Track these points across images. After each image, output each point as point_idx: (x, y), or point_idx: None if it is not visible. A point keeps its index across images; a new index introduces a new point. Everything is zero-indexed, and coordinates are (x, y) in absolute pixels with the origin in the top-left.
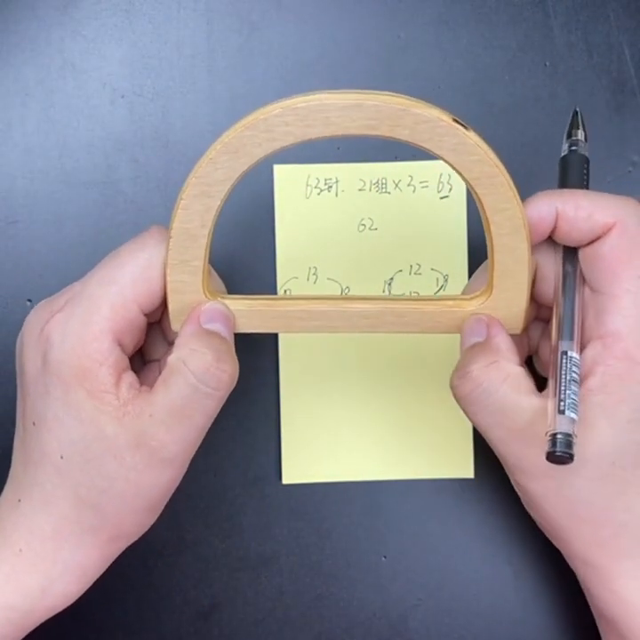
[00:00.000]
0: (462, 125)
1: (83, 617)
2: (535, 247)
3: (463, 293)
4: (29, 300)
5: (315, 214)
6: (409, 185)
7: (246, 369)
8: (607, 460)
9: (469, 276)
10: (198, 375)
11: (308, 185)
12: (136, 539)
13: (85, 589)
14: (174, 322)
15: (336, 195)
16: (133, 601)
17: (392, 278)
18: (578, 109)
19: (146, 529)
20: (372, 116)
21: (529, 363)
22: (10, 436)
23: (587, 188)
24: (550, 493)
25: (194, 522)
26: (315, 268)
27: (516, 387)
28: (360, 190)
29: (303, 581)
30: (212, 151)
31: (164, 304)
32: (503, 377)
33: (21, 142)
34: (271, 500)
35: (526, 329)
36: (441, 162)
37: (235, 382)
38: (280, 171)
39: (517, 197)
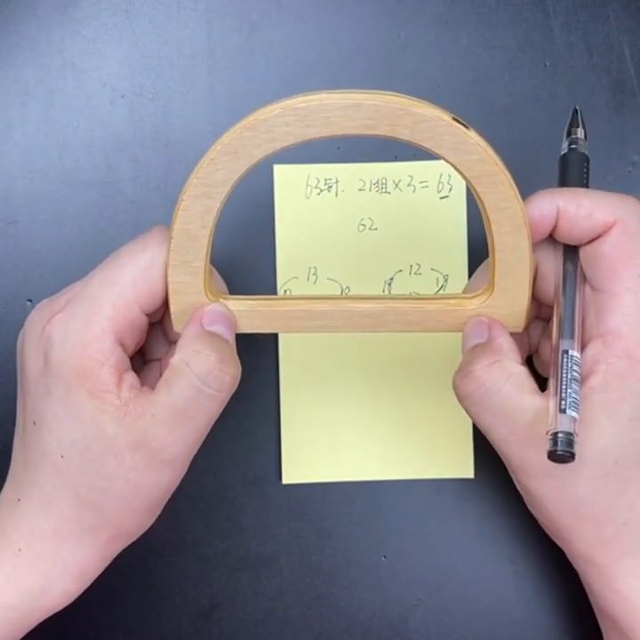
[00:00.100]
0: (462, 124)
1: (83, 617)
2: (535, 246)
3: (464, 292)
4: (29, 300)
5: (315, 214)
6: (409, 185)
7: (246, 369)
8: (609, 458)
9: (469, 275)
10: (201, 377)
11: (307, 185)
12: (135, 539)
13: (84, 589)
14: (176, 322)
15: (336, 195)
16: (133, 601)
17: (392, 278)
18: (578, 108)
19: (145, 529)
20: (371, 115)
21: (529, 362)
22: (10, 436)
23: (587, 186)
24: (552, 493)
25: (194, 522)
26: (315, 267)
27: (519, 386)
28: (360, 190)
29: (303, 581)
30: (212, 152)
31: (165, 304)
32: (506, 376)
33: (21, 142)
34: (271, 499)
35: (527, 328)
36: (441, 162)
37: (237, 384)
38: (280, 171)
39: (518, 196)
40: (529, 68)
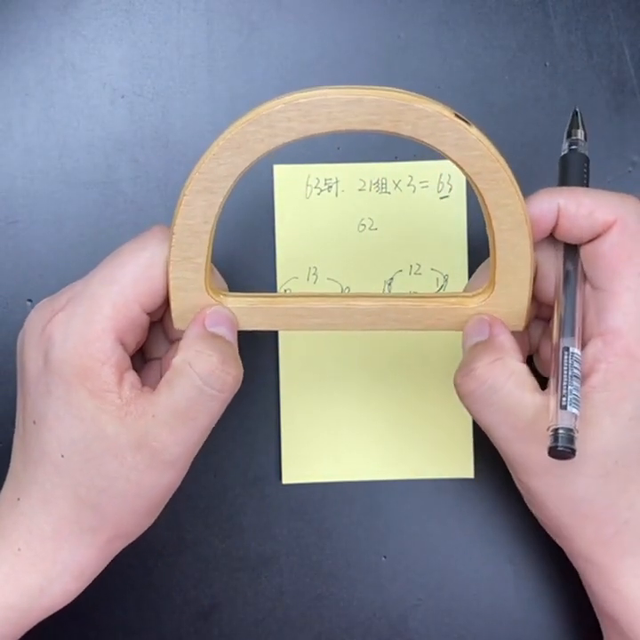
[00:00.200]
0: (464, 120)
1: (83, 617)
2: (536, 245)
3: (465, 291)
4: (29, 300)
5: (315, 214)
6: (409, 185)
7: (246, 368)
8: (610, 457)
9: (469, 275)
10: (203, 377)
11: (308, 185)
12: (135, 539)
13: (83, 589)
14: (177, 320)
15: (336, 195)
16: (133, 601)
17: (392, 278)
18: (577, 109)
19: (145, 529)
20: (373, 111)
21: (529, 362)
22: (10, 436)
23: (587, 186)
24: (553, 491)
25: (194, 522)
26: (315, 267)
27: (520, 384)
28: (360, 190)
29: (303, 581)
30: (214, 147)
31: (166, 303)
32: (508, 374)
33: (21, 142)
34: (271, 499)
35: (527, 327)
36: (441, 162)
37: (239, 385)
38: (280, 171)
39: (519, 193)
40: (529, 68)
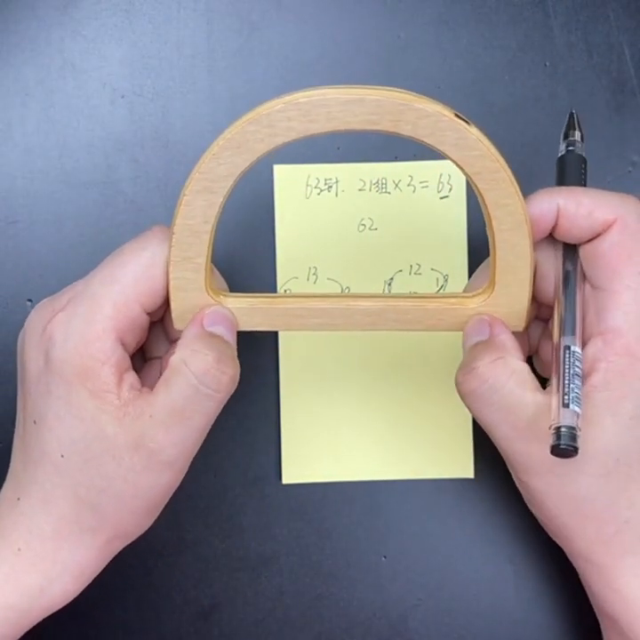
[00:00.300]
0: (464, 120)
1: (83, 616)
2: (535, 245)
3: (465, 291)
4: (29, 300)
5: (315, 214)
6: (409, 185)
7: (246, 369)
8: (611, 456)
9: (469, 275)
10: (199, 376)
11: (308, 185)
12: (134, 539)
13: (83, 589)
14: (177, 320)
15: (336, 195)
16: (133, 601)
17: (392, 278)
18: (574, 111)
19: (144, 530)
20: (373, 110)
21: (529, 363)
22: (10, 436)
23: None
24: (554, 490)
25: (194, 522)
26: (315, 267)
27: (522, 383)
28: (360, 190)
29: (303, 581)
30: (214, 146)
31: (166, 302)
32: (509, 373)
33: (21, 142)
34: (271, 500)
35: (527, 328)
36: (441, 162)
37: (235, 385)
38: (280, 171)
39: (519, 193)
40: (529, 68)
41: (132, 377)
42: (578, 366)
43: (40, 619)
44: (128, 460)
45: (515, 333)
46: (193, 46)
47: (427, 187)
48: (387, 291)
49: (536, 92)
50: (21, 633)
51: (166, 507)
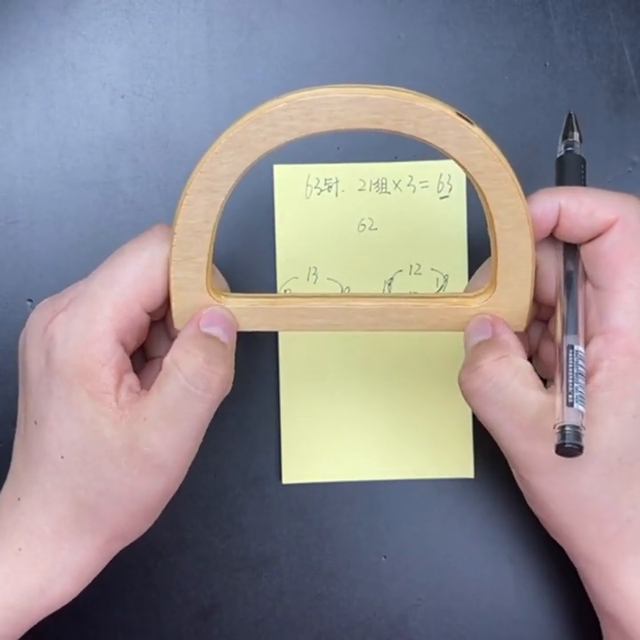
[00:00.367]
0: (466, 119)
1: (83, 617)
2: (536, 245)
3: (466, 291)
4: (29, 300)
5: (315, 214)
6: (409, 185)
7: (246, 369)
8: (614, 455)
9: (470, 275)
10: (188, 377)
11: (308, 185)
12: (134, 539)
13: (82, 589)
14: (177, 320)
15: (336, 195)
16: (133, 601)
17: (392, 278)
18: (572, 112)
19: (144, 531)
20: (376, 109)
21: None
22: (10, 436)
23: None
24: (556, 490)
25: (194, 522)
26: (315, 267)
27: (525, 381)
28: (360, 190)
29: (303, 581)
30: (217, 146)
31: (167, 302)
32: (513, 371)
33: (21, 142)
34: (271, 499)
35: (528, 328)
36: (441, 162)
37: (228, 388)
38: (280, 171)
39: (521, 192)
40: (529, 68)
41: (131, 378)
42: (581, 365)
43: (40, 619)
44: (124, 464)
45: (517, 332)
46: (193, 46)
47: (427, 187)
48: (387, 291)
49: (536, 92)
50: (21, 633)
51: (166, 507)
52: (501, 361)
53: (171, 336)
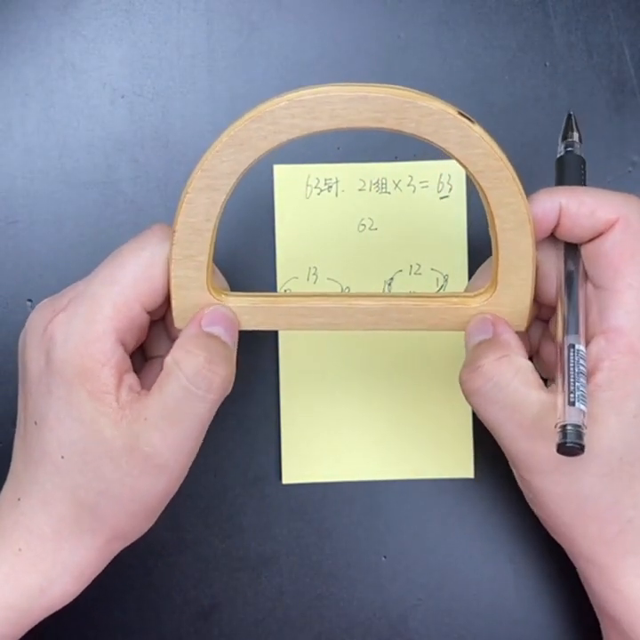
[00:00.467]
0: (467, 118)
1: (83, 617)
2: (536, 245)
3: (466, 291)
4: (29, 300)
5: (315, 214)
6: (409, 185)
7: (246, 369)
8: (615, 455)
9: (470, 275)
10: (190, 377)
11: (308, 185)
12: (134, 539)
13: (83, 589)
14: (177, 319)
15: (336, 195)
16: (133, 601)
17: (392, 278)
18: (572, 113)
19: (144, 531)
20: (377, 108)
21: None
22: (10, 436)
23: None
24: (557, 489)
25: (194, 522)
26: (315, 268)
27: (526, 381)
28: (360, 190)
29: (303, 581)
30: (218, 144)
31: (167, 301)
32: (514, 371)
33: (21, 142)
34: (271, 499)
35: (528, 328)
36: (441, 162)
37: (229, 387)
38: (280, 171)
39: (522, 191)
40: (529, 68)
41: (131, 378)
42: (582, 365)
43: (40, 619)
44: (125, 464)
45: (518, 332)
46: (193, 46)
47: (427, 187)
48: (387, 291)
49: (536, 92)
50: (22, 633)
51: (166, 507)
52: (502, 360)
53: (170, 335)
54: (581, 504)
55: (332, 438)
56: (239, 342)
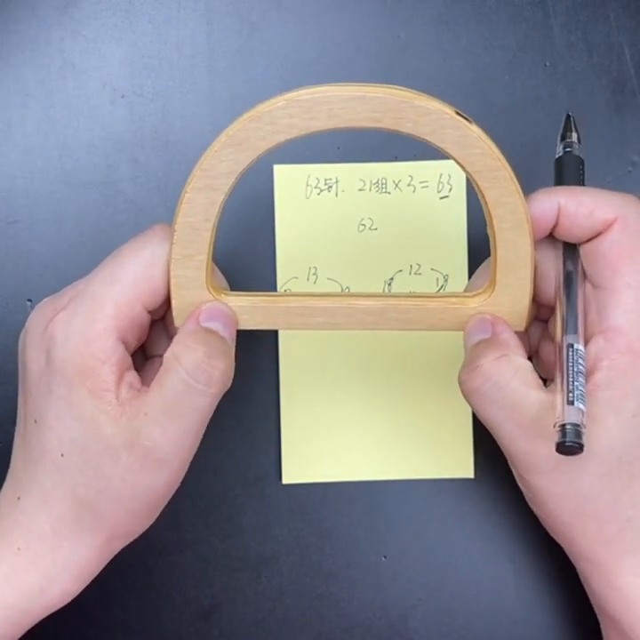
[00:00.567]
0: (465, 118)
1: (83, 616)
2: (535, 245)
3: (466, 291)
4: (29, 300)
5: (315, 214)
6: (409, 185)
7: (246, 369)
8: (614, 454)
9: (469, 275)
10: (189, 371)
11: (308, 185)
12: (134, 538)
13: (83, 588)
14: (177, 318)
15: (336, 195)
16: (133, 601)
17: (392, 278)
18: (570, 114)
19: (144, 530)
20: (375, 108)
21: None
22: (10, 436)
23: None
24: (556, 489)
25: (194, 522)
26: (315, 268)
27: (525, 380)
28: (360, 190)
29: (303, 581)
30: (216, 144)
31: (167, 301)
32: (513, 370)
33: (21, 142)
34: (271, 499)
35: (527, 328)
36: (441, 162)
37: (228, 382)
38: (280, 171)
39: (520, 191)
40: (529, 68)
41: (131, 376)
42: (581, 364)
43: (40, 618)
44: (125, 460)
45: (515, 333)
46: (193, 46)
47: (427, 187)
48: (387, 291)
49: (536, 92)
50: (22, 632)
51: (166, 507)
52: (501, 360)
53: (170, 335)
54: (580, 503)
55: (332, 438)
56: (239, 342)
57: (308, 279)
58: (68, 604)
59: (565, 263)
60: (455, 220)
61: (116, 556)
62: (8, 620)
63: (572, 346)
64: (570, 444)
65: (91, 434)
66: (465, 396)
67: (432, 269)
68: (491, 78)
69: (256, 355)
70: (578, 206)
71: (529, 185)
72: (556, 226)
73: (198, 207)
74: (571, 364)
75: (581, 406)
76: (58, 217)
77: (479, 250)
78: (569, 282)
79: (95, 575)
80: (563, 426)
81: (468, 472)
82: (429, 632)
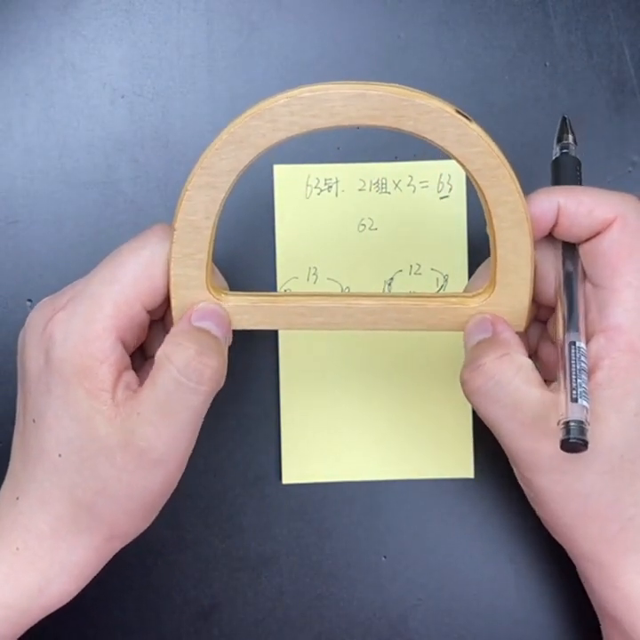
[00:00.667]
0: (465, 117)
1: (82, 616)
2: (535, 244)
3: (466, 291)
4: (29, 300)
5: (315, 214)
6: (409, 185)
7: (246, 369)
8: (616, 453)
9: (469, 275)
10: (180, 369)
11: (308, 185)
12: (133, 538)
13: (81, 588)
14: (177, 317)
15: (336, 195)
16: (133, 601)
17: (392, 278)
18: (566, 116)
19: (142, 530)
20: (376, 106)
21: None
22: (10, 436)
23: None
24: (558, 488)
25: (194, 522)
26: (315, 268)
27: (527, 379)
28: (360, 190)
29: (303, 581)
30: (217, 141)
31: (166, 301)
32: (515, 369)
33: (21, 142)
34: (271, 499)
35: (527, 328)
36: (441, 162)
37: (221, 381)
38: (280, 171)
39: (520, 190)
40: (529, 68)
41: (129, 376)
42: (584, 362)
43: (39, 618)
44: (120, 460)
45: (517, 332)
46: (193, 46)
47: (427, 187)
48: (387, 291)
49: (536, 92)
50: (21, 632)
51: (166, 507)
52: (503, 359)
53: None
54: (582, 502)
55: (332, 438)
56: (239, 342)
57: (307, 279)
58: (68, 604)
59: (565, 263)
60: (455, 219)
61: (115, 555)
62: (7, 620)
63: (574, 344)
64: (574, 440)
65: (87, 434)
66: (467, 396)
67: (432, 269)
68: (491, 78)
69: (256, 355)
70: (577, 206)
71: (529, 185)
72: (555, 225)
73: (199, 205)
74: (573, 362)
75: (585, 403)
76: (58, 217)
77: (479, 250)
78: (569, 281)
79: (94, 575)
80: (567, 423)
81: (468, 472)
82: (429, 632)
